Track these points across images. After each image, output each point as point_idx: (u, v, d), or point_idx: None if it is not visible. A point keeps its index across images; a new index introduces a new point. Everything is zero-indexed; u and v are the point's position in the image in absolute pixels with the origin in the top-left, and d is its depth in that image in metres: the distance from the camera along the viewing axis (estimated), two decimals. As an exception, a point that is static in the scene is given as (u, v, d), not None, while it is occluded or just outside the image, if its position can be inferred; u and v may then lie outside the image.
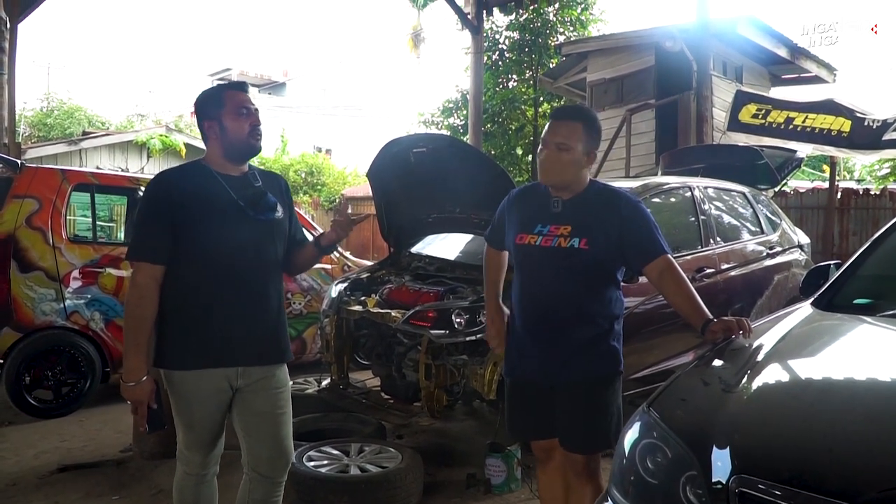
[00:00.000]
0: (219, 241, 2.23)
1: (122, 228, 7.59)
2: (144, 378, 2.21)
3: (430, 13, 26.76)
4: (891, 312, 2.34)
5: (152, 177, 2.45)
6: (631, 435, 1.91)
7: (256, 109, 2.35)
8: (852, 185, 14.59)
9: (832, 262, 3.03)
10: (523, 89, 15.66)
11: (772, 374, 1.95)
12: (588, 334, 2.42)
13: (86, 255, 5.18)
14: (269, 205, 2.34)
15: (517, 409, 2.60)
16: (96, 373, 5.15)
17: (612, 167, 10.84)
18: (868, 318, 2.39)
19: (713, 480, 1.57)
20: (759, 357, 2.02)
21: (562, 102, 14.96)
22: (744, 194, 5.55)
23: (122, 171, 13.16)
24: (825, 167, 16.29)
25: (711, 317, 2.34)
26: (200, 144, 16.31)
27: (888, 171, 15.01)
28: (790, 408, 1.79)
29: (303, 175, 20.40)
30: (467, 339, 3.69)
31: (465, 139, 12.15)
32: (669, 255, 2.42)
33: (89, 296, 5.13)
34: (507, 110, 15.12)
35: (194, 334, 2.25)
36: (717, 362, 2.17)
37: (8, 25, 10.17)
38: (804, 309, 2.55)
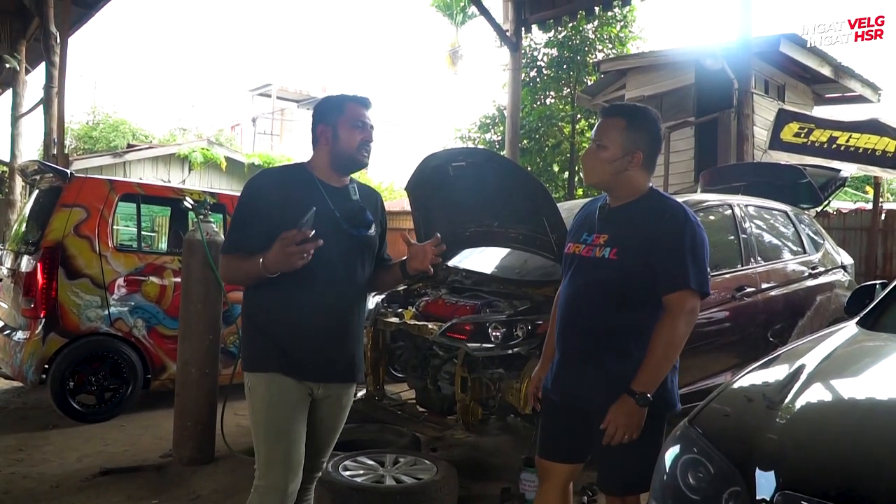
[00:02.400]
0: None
1: (165, 238, 7.75)
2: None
3: (468, 30, 27.01)
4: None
5: (253, 175, 2.43)
6: (672, 450, 1.90)
7: (372, 126, 2.33)
8: (897, 206, 14.26)
9: (878, 281, 2.99)
10: (561, 106, 15.66)
11: (817, 392, 1.92)
12: (615, 359, 2.19)
13: (130, 263, 5.30)
14: (365, 221, 2.31)
15: (540, 422, 2.50)
16: (138, 379, 5.24)
17: (649, 185, 10.74)
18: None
19: (758, 498, 1.56)
20: (804, 374, 2.00)
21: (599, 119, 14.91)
22: (786, 213, 5.47)
23: (164, 182, 13.47)
24: (868, 188, 15.95)
25: (645, 395, 2.10)
26: (240, 158, 16.82)
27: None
28: (836, 425, 1.77)
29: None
30: (504, 352, 3.68)
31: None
32: (689, 294, 2.13)
33: (133, 303, 5.24)
34: (544, 127, 15.11)
35: (281, 342, 2.24)
36: (760, 379, 2.15)
37: (58, 40, 10.51)
38: (849, 328, 2.52)
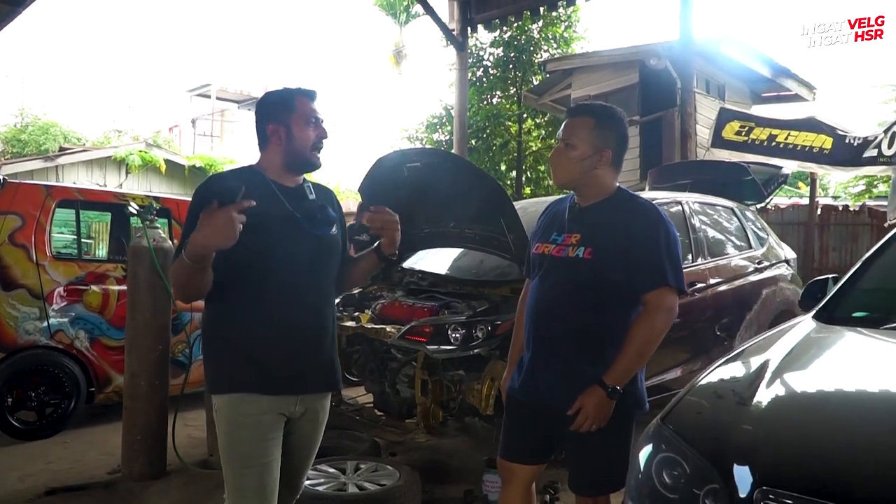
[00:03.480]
0: (271, 254, 2.05)
1: (105, 245, 7.46)
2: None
3: (412, 29, 26.84)
4: (891, 325, 2.37)
5: (201, 181, 2.23)
6: (646, 449, 1.89)
7: (324, 121, 2.21)
8: (829, 201, 14.83)
9: (830, 275, 3.07)
10: (508, 105, 15.74)
11: (785, 387, 1.94)
12: (589, 361, 2.17)
13: (70, 272, 5.08)
14: (326, 220, 2.20)
15: (504, 423, 2.46)
16: (81, 393, 5.02)
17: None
18: (867, 331, 2.42)
19: (740, 495, 1.56)
20: (770, 370, 2.01)
21: (546, 119, 15.08)
22: (732, 209, 5.60)
23: (101, 186, 13.02)
24: (801, 184, 16.55)
25: (616, 388, 2.10)
26: (181, 161, 16.37)
27: (863, 187, 15.28)
28: (808, 420, 1.79)
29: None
30: (464, 353, 3.66)
31: (449, 155, 12.12)
32: (667, 291, 2.16)
33: (74, 314, 5.01)
34: (491, 126, 15.17)
35: (252, 354, 2.08)
36: (728, 375, 2.17)
37: (-15, 40, 10.06)
38: (807, 322, 2.57)
